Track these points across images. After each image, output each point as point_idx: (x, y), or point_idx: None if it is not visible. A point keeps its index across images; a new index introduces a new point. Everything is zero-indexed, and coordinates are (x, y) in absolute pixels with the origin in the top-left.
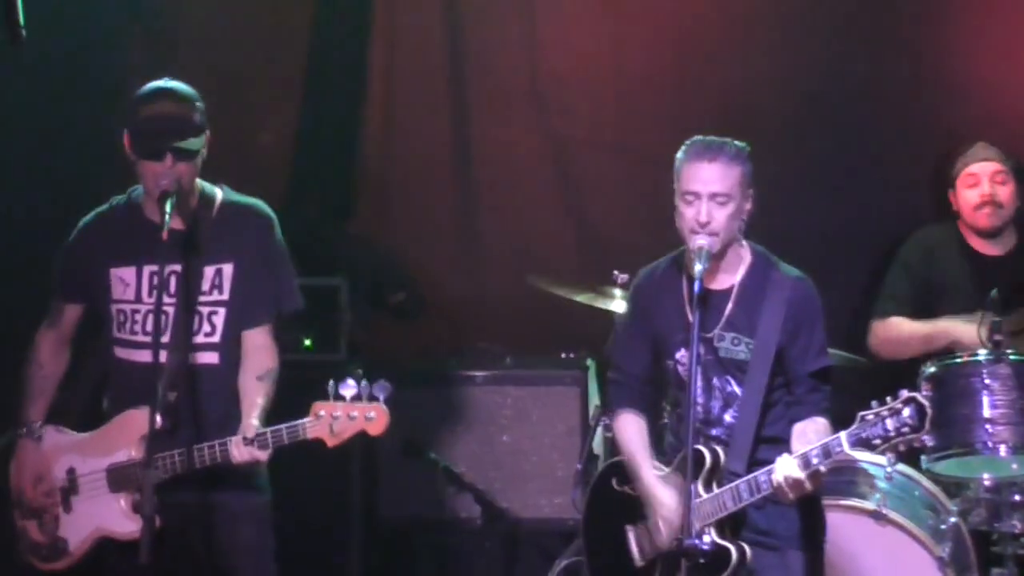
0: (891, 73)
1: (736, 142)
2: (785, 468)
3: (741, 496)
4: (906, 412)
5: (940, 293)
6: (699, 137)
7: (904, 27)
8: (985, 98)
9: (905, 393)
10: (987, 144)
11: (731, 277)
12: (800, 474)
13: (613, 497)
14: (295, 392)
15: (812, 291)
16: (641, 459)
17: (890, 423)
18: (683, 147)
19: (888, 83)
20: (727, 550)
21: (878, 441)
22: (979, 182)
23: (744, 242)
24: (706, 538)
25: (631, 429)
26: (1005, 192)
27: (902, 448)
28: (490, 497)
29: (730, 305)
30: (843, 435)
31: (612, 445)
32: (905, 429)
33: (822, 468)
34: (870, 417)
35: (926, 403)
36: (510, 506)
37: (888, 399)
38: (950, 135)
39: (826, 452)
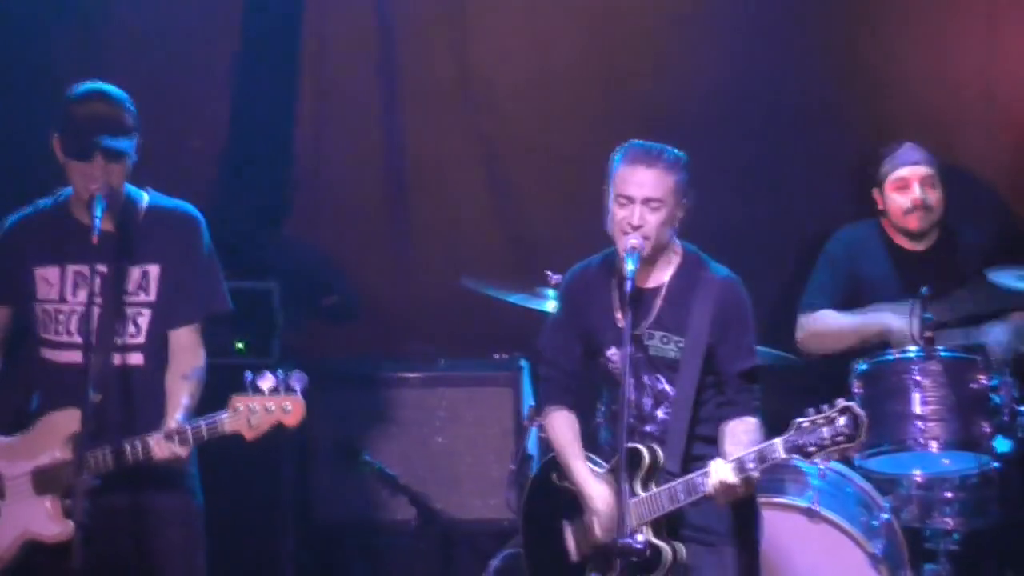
0: (818, 71)
1: (674, 150)
2: (720, 472)
3: (678, 497)
4: (841, 421)
5: (866, 289)
6: (637, 142)
7: (831, 25)
8: (911, 96)
9: (841, 402)
10: (916, 145)
11: (660, 276)
12: (734, 479)
13: (553, 492)
14: (227, 395)
15: (741, 291)
16: (572, 454)
17: (825, 432)
18: (620, 150)
19: (815, 81)
20: (660, 550)
21: (812, 449)
22: (909, 186)
23: (675, 241)
24: (640, 537)
25: (562, 426)
26: (934, 196)
27: (836, 456)
28: (424, 499)
29: (659, 303)
30: (779, 442)
31: (547, 445)
32: (840, 438)
33: (756, 474)
34: (806, 425)
35: (862, 413)
36: (444, 507)
37: (824, 407)
38: (876, 132)
39: (761, 458)
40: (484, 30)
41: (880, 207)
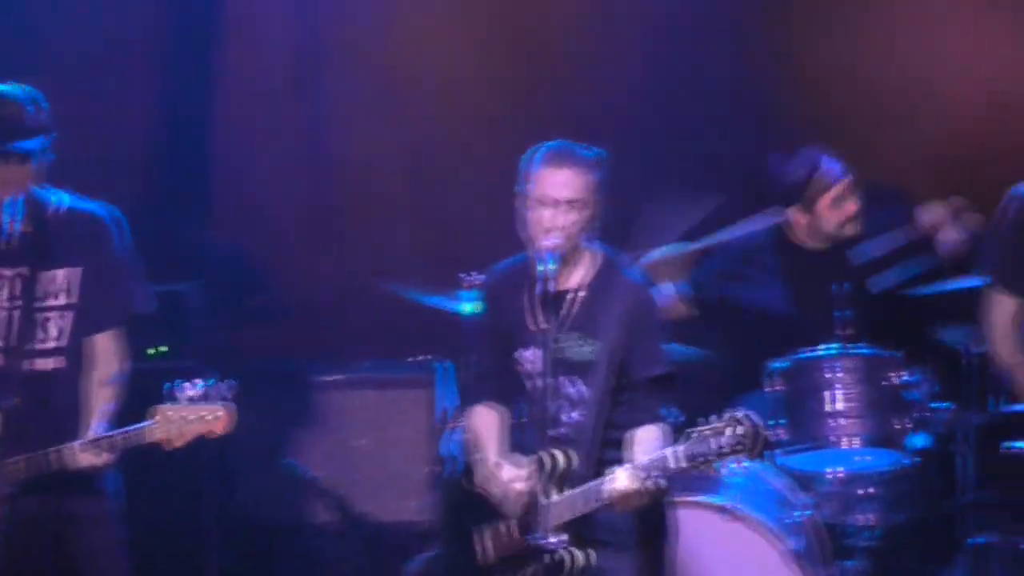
0: (749, 73)
1: (590, 148)
2: (618, 480)
3: (578, 505)
4: (729, 432)
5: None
6: (552, 142)
7: (765, 28)
8: (842, 97)
9: (728, 415)
10: (829, 156)
11: (576, 278)
12: (633, 487)
13: (468, 496)
14: (149, 399)
15: (653, 296)
16: (488, 439)
17: (714, 443)
18: (535, 151)
19: (745, 83)
20: (562, 557)
21: (705, 459)
22: (845, 203)
23: (593, 243)
24: (553, 538)
25: (483, 418)
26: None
27: (727, 463)
28: (346, 501)
29: (575, 305)
30: (674, 452)
31: (466, 447)
32: (726, 449)
33: (653, 484)
34: (698, 436)
35: (749, 425)
36: (366, 509)
37: (716, 418)
38: (807, 134)
39: (657, 468)
40: (408, 35)
41: (803, 222)
